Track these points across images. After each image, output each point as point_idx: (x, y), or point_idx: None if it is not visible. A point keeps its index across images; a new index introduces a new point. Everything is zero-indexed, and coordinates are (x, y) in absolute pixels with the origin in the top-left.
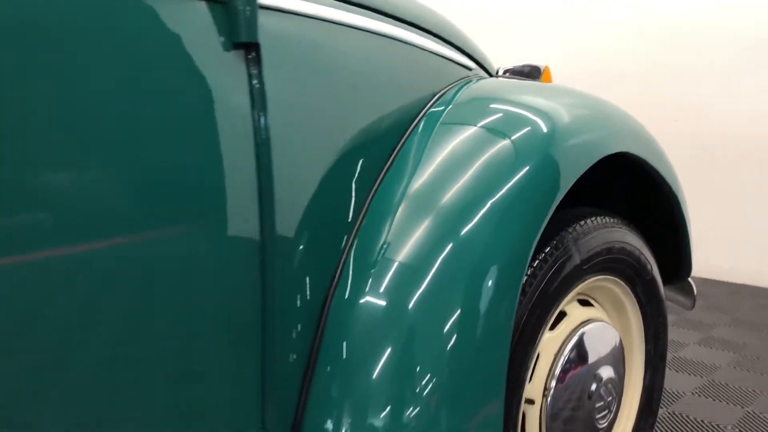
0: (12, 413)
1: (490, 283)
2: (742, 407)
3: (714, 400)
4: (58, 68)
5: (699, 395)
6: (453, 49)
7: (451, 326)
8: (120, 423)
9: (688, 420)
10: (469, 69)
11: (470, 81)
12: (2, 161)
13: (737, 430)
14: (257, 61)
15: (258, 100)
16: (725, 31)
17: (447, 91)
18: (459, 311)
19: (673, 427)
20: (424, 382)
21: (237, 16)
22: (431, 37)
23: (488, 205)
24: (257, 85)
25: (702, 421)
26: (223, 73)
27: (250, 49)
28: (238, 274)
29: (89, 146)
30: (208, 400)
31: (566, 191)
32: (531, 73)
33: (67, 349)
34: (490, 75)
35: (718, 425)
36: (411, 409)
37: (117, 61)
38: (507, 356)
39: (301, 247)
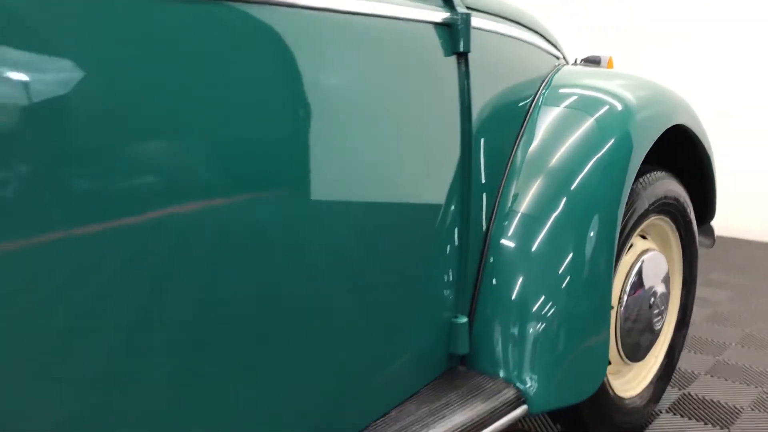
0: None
1: (596, 227)
2: (742, 330)
3: (719, 325)
4: (340, 84)
5: (707, 323)
6: (547, 42)
7: (567, 263)
8: (381, 309)
9: (701, 339)
10: (558, 58)
11: (560, 68)
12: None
13: (740, 346)
14: (467, 64)
15: (466, 90)
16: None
17: (549, 77)
18: (572, 252)
19: (689, 345)
20: (547, 306)
21: (458, 35)
22: (536, 34)
23: (592, 165)
24: (466, 81)
25: (712, 340)
26: (448, 72)
27: (462, 56)
28: (454, 223)
29: (383, 135)
30: (439, 299)
31: (645, 154)
32: (598, 61)
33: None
34: (567, 62)
35: (724, 342)
36: (537, 324)
37: (385, 69)
38: (611, 285)
39: (477, 202)
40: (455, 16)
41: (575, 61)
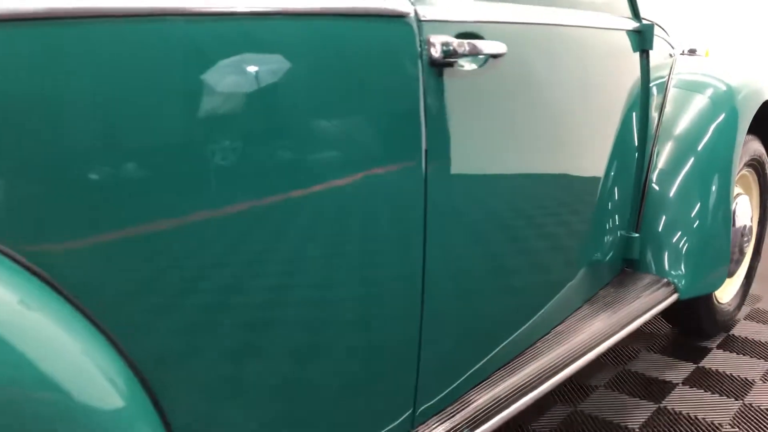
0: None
1: (718, 174)
2: None
3: None
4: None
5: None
6: (667, 35)
7: (702, 199)
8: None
9: (760, 273)
10: (673, 48)
11: (676, 58)
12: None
13: None
14: (648, 58)
15: (646, 77)
16: None
17: (672, 65)
18: (703, 191)
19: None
20: (690, 226)
21: (645, 37)
22: (663, 30)
23: (712, 132)
24: (645, 67)
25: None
26: (637, 64)
27: (645, 53)
28: (630, 171)
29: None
30: (621, 221)
31: (749, 124)
32: (695, 50)
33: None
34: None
35: None
36: (684, 238)
37: (601, 62)
38: (730, 215)
39: (645, 155)
40: (645, 25)
41: (682, 52)
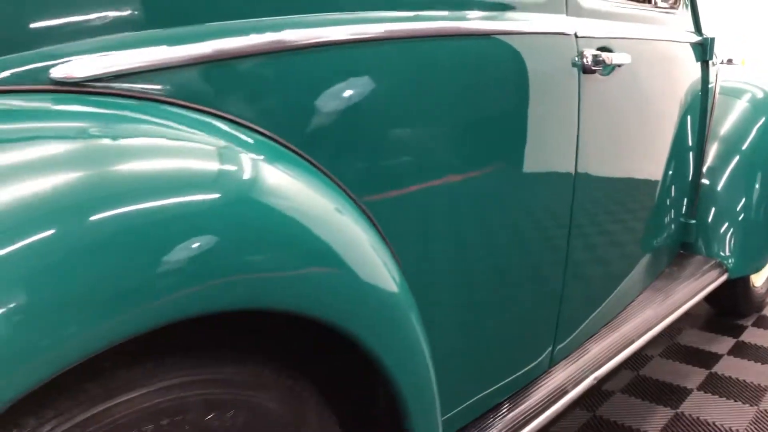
0: None
1: (761, 176)
2: None
3: None
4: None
5: None
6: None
7: (747, 190)
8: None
9: None
10: (716, 57)
11: (719, 67)
12: None
13: None
14: (707, 67)
15: (707, 83)
16: None
17: (717, 72)
18: (749, 183)
19: None
20: (738, 215)
21: (707, 49)
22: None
23: (755, 133)
24: (706, 75)
25: None
26: (699, 71)
27: (706, 63)
28: (687, 167)
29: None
30: (681, 210)
31: None
32: (731, 60)
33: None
34: None
35: None
36: (734, 226)
37: (673, 71)
38: None
39: (702, 152)
40: (706, 39)
41: (721, 61)
